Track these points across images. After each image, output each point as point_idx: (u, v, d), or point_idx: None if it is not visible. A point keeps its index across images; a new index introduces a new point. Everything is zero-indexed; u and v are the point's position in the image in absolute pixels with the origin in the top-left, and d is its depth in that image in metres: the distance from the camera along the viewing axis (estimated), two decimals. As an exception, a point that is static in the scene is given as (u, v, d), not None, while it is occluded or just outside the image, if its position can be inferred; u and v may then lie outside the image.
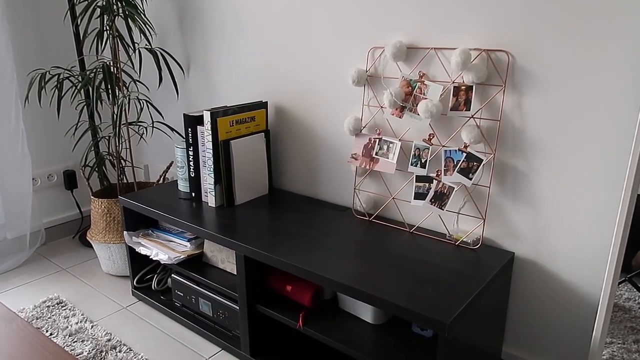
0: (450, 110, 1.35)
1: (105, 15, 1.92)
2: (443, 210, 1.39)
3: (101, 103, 2.03)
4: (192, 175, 1.76)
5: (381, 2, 1.45)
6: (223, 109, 1.64)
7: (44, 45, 2.23)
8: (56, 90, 1.98)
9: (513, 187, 1.34)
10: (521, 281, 1.39)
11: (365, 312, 1.35)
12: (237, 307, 1.55)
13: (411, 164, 1.43)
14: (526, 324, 1.42)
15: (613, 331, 1.64)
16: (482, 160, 1.32)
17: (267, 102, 1.80)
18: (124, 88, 2.02)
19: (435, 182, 1.40)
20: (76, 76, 2.03)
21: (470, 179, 1.34)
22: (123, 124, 2.03)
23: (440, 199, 1.39)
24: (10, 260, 2.18)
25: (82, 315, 1.80)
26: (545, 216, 1.31)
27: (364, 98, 1.57)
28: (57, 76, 1.98)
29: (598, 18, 1.12)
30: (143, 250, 1.73)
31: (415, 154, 1.43)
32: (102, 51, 2.02)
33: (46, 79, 1.95)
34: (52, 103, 2.29)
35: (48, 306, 1.85)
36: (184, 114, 1.70)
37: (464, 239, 1.41)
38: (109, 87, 1.94)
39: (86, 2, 1.92)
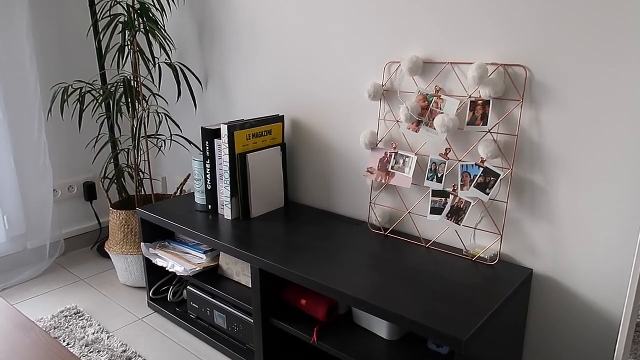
0: (467, 124, 1.35)
1: (126, 31, 1.97)
2: (459, 225, 1.38)
3: (121, 116, 2.07)
4: (209, 188, 1.77)
5: (397, 17, 1.46)
6: (240, 123, 1.66)
7: (67, 60, 2.29)
8: (78, 103, 2.03)
9: (531, 202, 1.33)
10: (540, 298, 1.37)
11: (380, 328, 1.34)
12: (252, 320, 1.55)
13: (427, 178, 1.43)
14: (545, 342, 1.39)
15: (636, 351, 1.60)
16: (500, 175, 1.31)
17: (283, 115, 1.82)
18: (144, 101, 2.06)
19: (451, 196, 1.39)
20: (97, 90, 2.08)
21: (487, 193, 1.32)
22: (142, 137, 2.06)
23: (456, 213, 1.38)
24: (30, 269, 2.21)
25: (98, 325, 1.81)
26: (564, 232, 1.29)
27: (379, 112, 1.57)
28: (79, 90, 2.02)
29: (619, 34, 1.11)
30: (159, 262, 1.75)
31: (431, 168, 1.42)
32: (123, 65, 2.06)
33: (68, 93, 1.99)
34: (73, 116, 2.34)
35: (65, 316, 1.87)
36: (201, 127, 1.73)
37: (481, 255, 1.39)
38: (129, 100, 1.98)
39: (108, 18, 1.97)
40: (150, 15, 1.96)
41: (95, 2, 2.24)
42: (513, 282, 1.27)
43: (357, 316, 1.40)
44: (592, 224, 1.24)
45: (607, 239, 1.23)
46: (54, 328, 1.80)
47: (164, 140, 2.35)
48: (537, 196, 1.31)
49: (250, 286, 1.62)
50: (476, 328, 1.08)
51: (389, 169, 1.51)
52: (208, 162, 1.75)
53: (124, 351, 1.67)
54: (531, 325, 1.40)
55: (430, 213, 1.42)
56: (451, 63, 1.39)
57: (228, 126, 1.63)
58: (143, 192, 2.21)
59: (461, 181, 1.37)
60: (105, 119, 2.38)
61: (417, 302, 1.18)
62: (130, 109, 2.01)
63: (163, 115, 2.15)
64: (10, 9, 2.01)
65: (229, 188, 1.69)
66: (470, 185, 1.35)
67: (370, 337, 1.35)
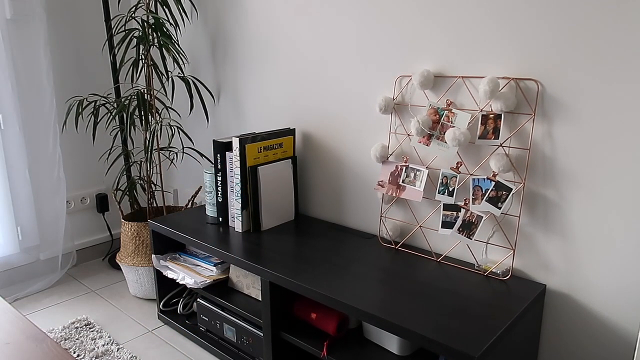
0: (478, 138, 1.34)
1: (141, 45, 2.00)
2: (471, 239, 1.37)
3: (134, 129, 2.09)
4: (220, 200, 1.78)
5: (408, 31, 1.47)
6: (251, 136, 1.67)
7: (82, 74, 2.33)
8: (92, 116, 2.06)
9: (544, 217, 1.31)
10: (553, 315, 1.34)
11: (391, 343, 1.33)
12: (262, 334, 1.54)
13: (438, 192, 1.42)
14: (559, 359, 1.36)
15: (653, 370, 1.56)
16: (512, 189, 1.30)
17: (294, 129, 1.83)
18: (157, 114, 2.08)
19: (463, 210, 1.38)
20: (112, 103, 2.11)
21: (499, 208, 1.31)
22: (154, 150, 2.08)
23: (468, 228, 1.37)
24: (43, 280, 2.23)
25: (109, 337, 1.81)
26: (578, 247, 1.27)
27: (390, 126, 1.58)
28: (93, 103, 2.05)
29: (633, 51, 1.11)
30: (170, 274, 1.75)
31: (442, 182, 1.41)
32: (137, 79, 2.09)
33: (83, 106, 2.02)
34: (87, 129, 2.38)
35: (76, 327, 1.88)
36: (213, 140, 1.74)
37: (493, 270, 1.38)
38: (142, 113, 2.00)
39: (123, 33, 2.00)
40: (165, 30, 1.99)
41: (111, 18, 2.28)
42: (526, 298, 1.25)
43: (367, 331, 1.39)
44: (606, 240, 1.22)
45: (622, 255, 1.21)
46: (65, 339, 1.81)
47: (176, 153, 2.37)
48: (550, 211, 1.30)
49: (261, 299, 1.61)
50: (489, 344, 1.06)
51: (400, 183, 1.50)
52: (219, 174, 1.76)
53: (134, 363, 1.67)
54: (545, 342, 1.38)
55: (441, 227, 1.41)
56: (462, 77, 1.39)
57: (239, 139, 1.64)
58: (155, 204, 2.23)
59: (473, 195, 1.36)
60: (119, 132, 2.41)
61: (428, 317, 1.16)
62: (143, 122, 2.03)
63: (175, 128, 2.17)
64: (29, 26, 2.06)
65: (239, 201, 1.69)
66: (482, 200, 1.34)
67: (381, 352, 1.33)
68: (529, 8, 1.23)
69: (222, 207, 1.78)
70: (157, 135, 1.99)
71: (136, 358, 1.69)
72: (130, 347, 1.78)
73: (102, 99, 2.12)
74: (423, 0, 1.42)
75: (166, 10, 2.03)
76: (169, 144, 2.16)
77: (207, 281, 1.67)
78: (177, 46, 2.12)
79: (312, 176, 1.86)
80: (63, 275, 2.33)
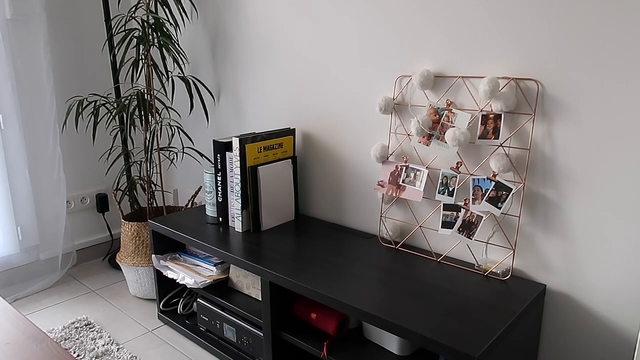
0: (478, 138, 1.34)
1: (141, 45, 2.00)
2: (471, 239, 1.37)
3: (134, 129, 2.09)
4: (220, 200, 1.78)
5: (408, 31, 1.47)
6: (251, 136, 1.67)
7: (82, 74, 2.33)
8: (92, 116, 2.06)
9: (544, 217, 1.31)
10: (553, 315, 1.34)
11: (391, 343, 1.33)
12: (262, 334, 1.54)
13: (438, 192, 1.42)
14: (559, 359, 1.36)
15: (653, 370, 1.56)
16: (512, 189, 1.30)
17: (294, 129, 1.83)
18: (157, 114, 2.08)
19: (463, 210, 1.38)
20: (112, 103, 2.11)
21: (499, 208, 1.31)
22: (154, 150, 2.08)
23: (468, 228, 1.37)
24: (42, 280, 2.23)
25: (108, 337, 1.81)
26: (578, 247, 1.27)
27: (391, 126, 1.58)
28: (93, 103, 2.05)
29: (634, 51, 1.11)
30: (170, 274, 1.75)
31: (442, 182, 1.41)
32: (137, 79, 2.09)
33: (83, 106, 2.02)
34: (87, 129, 2.38)
35: (77, 327, 1.88)
36: (213, 140, 1.74)
37: (493, 270, 1.38)
38: (142, 113, 2.00)
39: (123, 32, 2.00)
40: (165, 30, 1.99)
41: (111, 18, 2.28)
42: (526, 298, 1.25)
43: (367, 331, 1.39)
44: (607, 240, 1.22)
45: (622, 255, 1.21)
46: (65, 339, 1.81)
47: (176, 153, 2.37)
48: (550, 211, 1.30)
49: (261, 299, 1.62)
50: (489, 344, 1.06)
51: (400, 183, 1.50)
52: (219, 174, 1.76)
53: (134, 363, 1.67)
54: (545, 342, 1.38)
55: (441, 227, 1.41)
56: (462, 77, 1.39)
57: (239, 139, 1.64)
58: (155, 204, 2.23)
59: (473, 195, 1.36)
60: (119, 132, 2.41)
61: (428, 317, 1.16)
62: (143, 122, 2.03)
63: (175, 128, 2.17)
64: (29, 26, 2.06)
65: (239, 201, 1.69)
66: (482, 200, 1.34)
67: (381, 352, 1.33)
68: (529, 8, 1.23)
69: (222, 207, 1.78)
70: (157, 135, 1.99)
71: (136, 358, 1.69)
72: (130, 347, 1.78)
73: (102, 99, 2.12)
74: (423, 0, 1.42)
75: (166, 10, 2.03)
76: (169, 144, 2.16)
77: (207, 281, 1.67)
78: (177, 46, 2.12)
79: (312, 176, 1.86)
80: (63, 275, 2.33)
